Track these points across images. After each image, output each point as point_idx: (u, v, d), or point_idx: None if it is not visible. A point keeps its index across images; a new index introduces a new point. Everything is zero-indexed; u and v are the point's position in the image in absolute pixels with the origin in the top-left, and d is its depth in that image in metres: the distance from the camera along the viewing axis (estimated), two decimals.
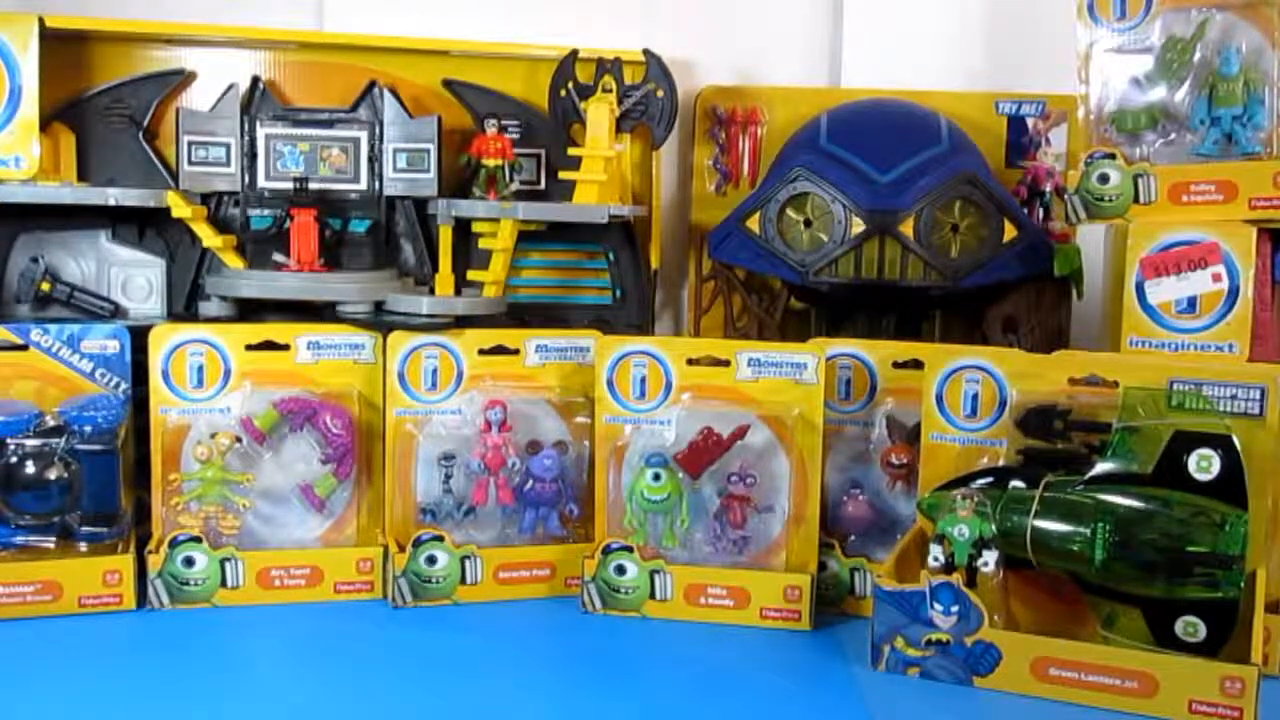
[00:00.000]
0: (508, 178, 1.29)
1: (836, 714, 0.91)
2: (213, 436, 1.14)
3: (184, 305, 1.29)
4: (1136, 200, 1.15)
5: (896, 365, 1.17)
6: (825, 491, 1.15)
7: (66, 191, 1.21)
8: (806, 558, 1.13)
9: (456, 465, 1.17)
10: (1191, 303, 1.13)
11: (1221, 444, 0.95)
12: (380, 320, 1.21)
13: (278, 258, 1.24)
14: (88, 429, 1.11)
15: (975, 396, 1.09)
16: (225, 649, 1.04)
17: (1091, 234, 1.30)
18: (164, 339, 1.15)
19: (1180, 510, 0.95)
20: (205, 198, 1.26)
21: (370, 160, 1.28)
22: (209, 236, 1.24)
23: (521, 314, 1.33)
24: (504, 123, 1.30)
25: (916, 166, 1.25)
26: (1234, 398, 0.98)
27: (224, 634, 1.07)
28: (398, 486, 1.18)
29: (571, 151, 1.32)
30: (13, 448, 1.09)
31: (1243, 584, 0.94)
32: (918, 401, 1.12)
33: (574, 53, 1.35)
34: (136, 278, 1.29)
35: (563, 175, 1.31)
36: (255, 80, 1.30)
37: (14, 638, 1.03)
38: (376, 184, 1.29)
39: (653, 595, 1.12)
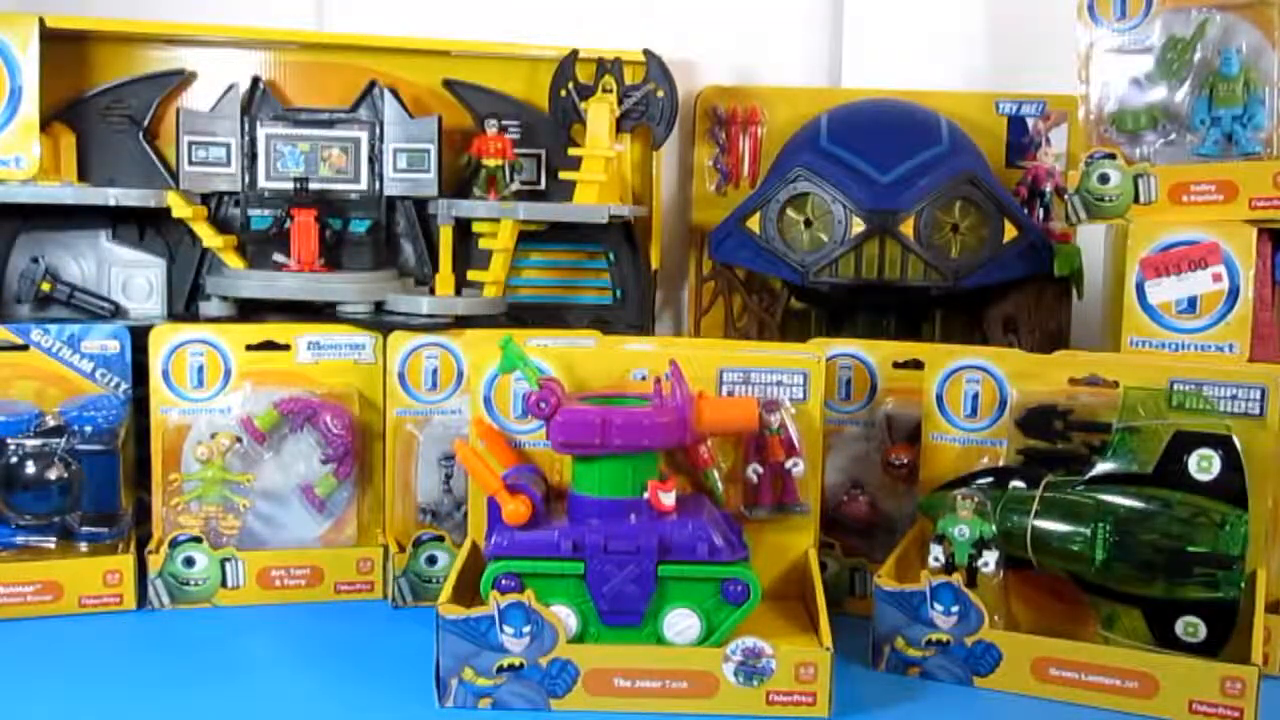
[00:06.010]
0: (508, 178, 1.29)
1: (836, 714, 0.91)
2: (213, 436, 1.14)
3: (184, 305, 1.29)
4: (1136, 200, 1.15)
5: (896, 365, 1.17)
6: (825, 491, 1.15)
7: (67, 191, 1.21)
8: None
9: (456, 465, 1.17)
10: (1192, 303, 1.13)
11: (1222, 444, 0.95)
12: (380, 320, 1.21)
13: (278, 258, 1.24)
14: (88, 429, 1.11)
15: (975, 396, 1.09)
16: (225, 649, 1.04)
17: (1091, 234, 1.30)
18: (164, 339, 1.15)
19: (1180, 510, 0.95)
20: (205, 198, 1.26)
21: (370, 160, 1.28)
22: (209, 236, 1.24)
23: (521, 314, 1.33)
24: (504, 123, 1.30)
25: (917, 167, 1.25)
26: (1234, 398, 0.98)
27: (224, 634, 1.07)
28: (398, 486, 1.18)
29: (571, 151, 1.32)
30: (13, 448, 1.09)
31: (1243, 584, 0.94)
32: (918, 401, 1.11)
33: (574, 53, 1.34)
34: (137, 278, 1.29)
35: (563, 175, 1.31)
36: (255, 80, 1.29)
37: (14, 638, 1.03)
38: (377, 184, 1.29)
39: None
